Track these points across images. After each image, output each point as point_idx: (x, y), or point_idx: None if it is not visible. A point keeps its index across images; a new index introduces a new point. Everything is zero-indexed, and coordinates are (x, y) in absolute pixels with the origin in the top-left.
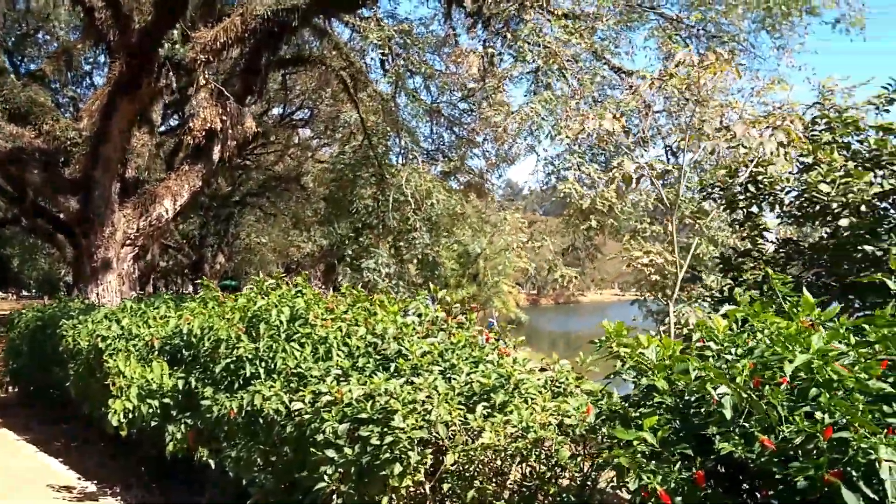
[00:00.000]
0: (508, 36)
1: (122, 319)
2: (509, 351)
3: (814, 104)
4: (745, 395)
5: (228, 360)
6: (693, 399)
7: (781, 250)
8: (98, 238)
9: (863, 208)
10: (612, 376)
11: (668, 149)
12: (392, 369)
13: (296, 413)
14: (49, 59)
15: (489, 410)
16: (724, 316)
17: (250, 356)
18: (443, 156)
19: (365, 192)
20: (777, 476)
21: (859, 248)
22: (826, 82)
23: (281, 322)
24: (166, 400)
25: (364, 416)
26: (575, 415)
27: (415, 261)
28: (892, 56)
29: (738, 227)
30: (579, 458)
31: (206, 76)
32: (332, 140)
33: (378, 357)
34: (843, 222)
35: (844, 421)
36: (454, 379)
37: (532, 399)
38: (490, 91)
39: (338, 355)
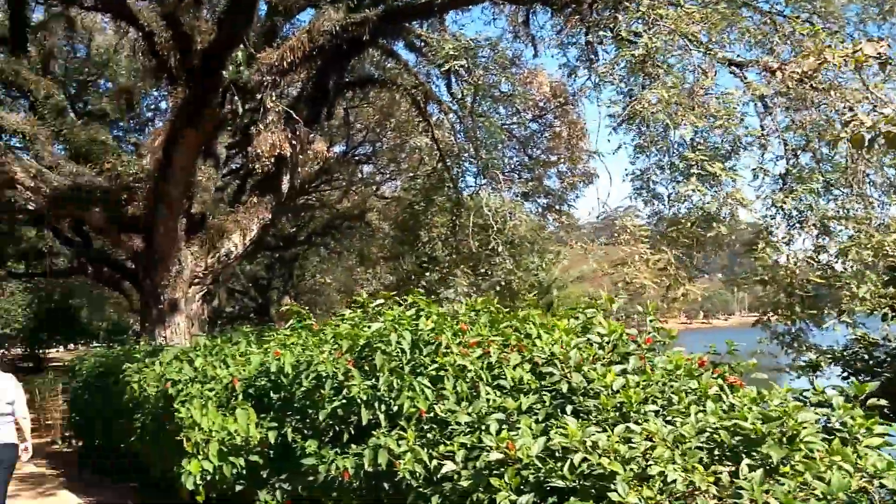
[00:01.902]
0: (619, 17)
1: (196, 359)
2: (740, 381)
3: None
4: None
5: (336, 404)
6: None
7: None
8: (164, 277)
9: None
10: None
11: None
12: (570, 411)
13: (444, 477)
14: (109, 98)
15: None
16: None
17: (365, 397)
18: (518, 176)
19: (438, 220)
20: None
21: None
22: None
23: (402, 350)
24: (254, 457)
25: (559, 482)
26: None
27: (493, 290)
28: None
29: None
30: None
31: (273, 99)
32: (396, 174)
33: (548, 393)
34: None
35: None
36: (677, 423)
37: (814, 451)
38: (591, 88)
39: (486, 392)
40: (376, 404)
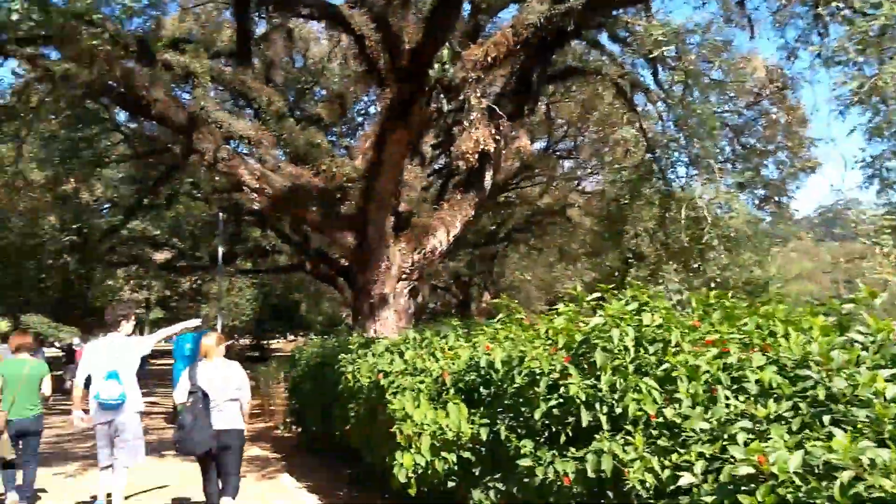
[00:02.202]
0: None
1: (406, 352)
2: None
3: None
4: None
5: (552, 403)
6: None
7: None
8: (374, 273)
9: None
10: None
11: None
12: (828, 420)
13: (680, 489)
14: (324, 103)
15: None
16: None
17: (584, 397)
18: (732, 166)
19: (645, 214)
20: None
21: None
22: None
23: (625, 348)
24: (466, 454)
25: None
26: None
27: (706, 287)
28: None
29: None
30: None
31: (477, 95)
32: (598, 168)
33: (801, 400)
34: None
35: None
36: None
37: None
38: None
39: (725, 397)
40: (597, 405)
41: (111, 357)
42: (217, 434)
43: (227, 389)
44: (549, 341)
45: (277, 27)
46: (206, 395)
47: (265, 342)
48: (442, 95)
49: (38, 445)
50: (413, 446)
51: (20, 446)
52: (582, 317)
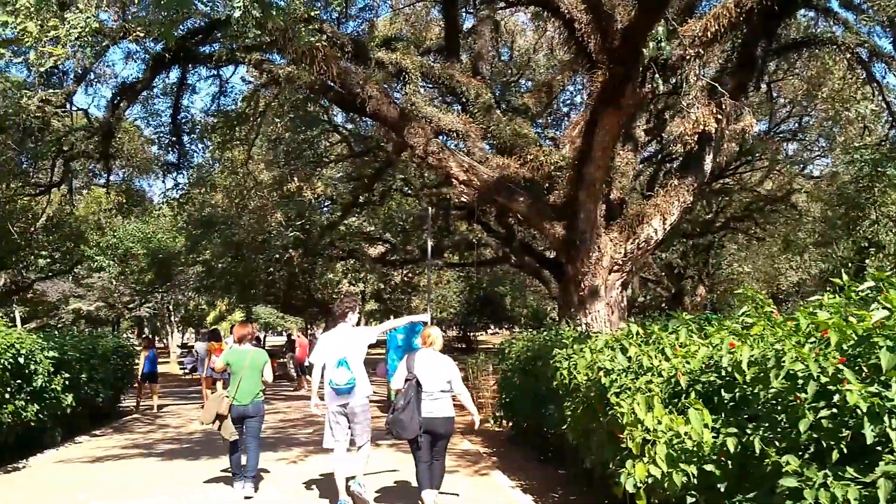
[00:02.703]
0: None
1: (629, 348)
2: None
3: None
4: None
5: (823, 414)
6: None
7: None
8: (584, 264)
9: None
10: None
11: None
12: None
13: None
14: (530, 92)
15: None
16: None
17: (867, 408)
18: None
19: (889, 198)
20: None
21: None
22: None
23: None
24: (709, 466)
25: None
26: None
27: None
28: None
29: None
30: None
31: (696, 73)
32: (827, 150)
33: None
34: None
35: None
36: None
37: None
38: None
39: None
40: (886, 418)
41: (341, 346)
42: (428, 422)
43: (439, 380)
44: (813, 339)
45: (484, 19)
46: (419, 384)
47: (471, 334)
48: (657, 75)
49: (259, 429)
50: (646, 455)
51: (243, 430)
52: (850, 310)
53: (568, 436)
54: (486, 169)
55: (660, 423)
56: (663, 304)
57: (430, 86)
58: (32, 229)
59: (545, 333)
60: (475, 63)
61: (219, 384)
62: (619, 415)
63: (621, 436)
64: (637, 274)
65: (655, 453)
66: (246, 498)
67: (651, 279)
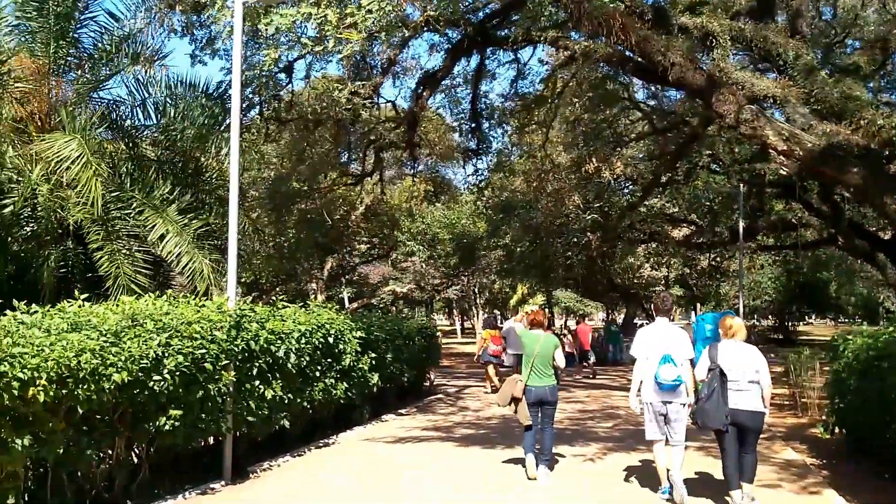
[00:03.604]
0: None
1: None
2: None
3: None
4: None
5: None
6: None
7: None
8: None
9: None
10: None
11: None
12: None
13: None
14: (860, 51)
15: None
16: None
17: None
18: None
19: None
20: None
21: None
22: None
23: None
24: None
25: None
26: None
27: None
28: None
29: None
30: None
31: None
32: None
33: None
34: None
35: None
36: None
37: None
38: None
39: None
40: None
41: (664, 342)
42: (735, 413)
43: (746, 371)
44: None
45: None
46: (723, 374)
47: (790, 324)
48: None
49: (553, 413)
50: None
51: (538, 414)
52: None
53: None
54: (810, 137)
55: None
56: None
57: (740, 53)
58: (353, 218)
59: (892, 329)
60: (793, 22)
61: (489, 368)
62: None
63: None
64: None
65: None
66: (540, 484)
67: None
